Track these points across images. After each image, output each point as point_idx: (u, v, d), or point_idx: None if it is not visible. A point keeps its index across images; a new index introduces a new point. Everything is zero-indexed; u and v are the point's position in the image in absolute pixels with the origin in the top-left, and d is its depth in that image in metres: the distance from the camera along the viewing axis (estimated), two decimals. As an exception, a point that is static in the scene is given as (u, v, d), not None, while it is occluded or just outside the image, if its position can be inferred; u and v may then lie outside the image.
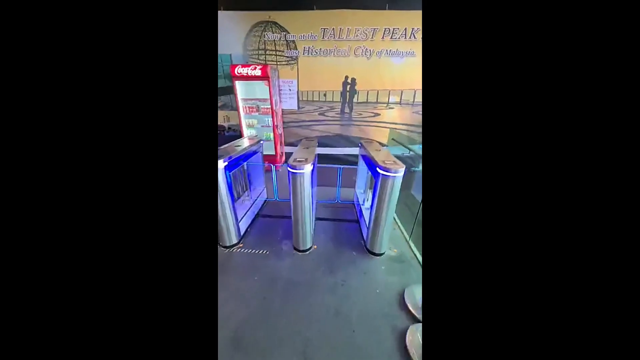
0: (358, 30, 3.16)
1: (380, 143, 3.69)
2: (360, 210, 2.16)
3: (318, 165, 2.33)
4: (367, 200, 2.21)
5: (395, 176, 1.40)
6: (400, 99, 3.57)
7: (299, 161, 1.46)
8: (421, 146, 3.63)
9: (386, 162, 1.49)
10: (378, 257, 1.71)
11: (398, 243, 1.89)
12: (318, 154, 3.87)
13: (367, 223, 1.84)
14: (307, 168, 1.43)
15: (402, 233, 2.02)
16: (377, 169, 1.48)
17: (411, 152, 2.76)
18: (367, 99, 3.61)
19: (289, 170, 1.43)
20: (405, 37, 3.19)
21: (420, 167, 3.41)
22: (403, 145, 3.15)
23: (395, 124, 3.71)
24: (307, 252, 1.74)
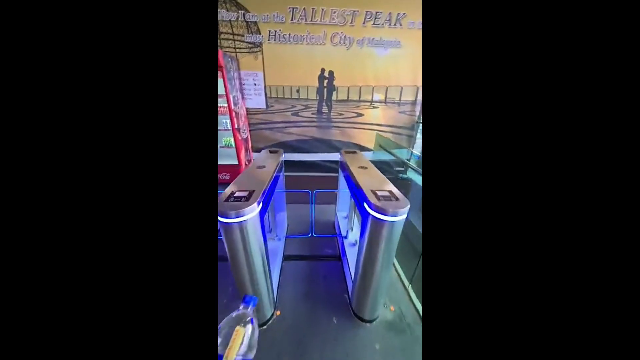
0: (335, 12, 2.61)
1: (365, 148, 3.26)
2: (343, 244, 1.64)
3: (286, 191, 1.75)
4: (352, 231, 1.69)
5: (394, 221, 0.88)
6: (385, 97, 3.10)
7: (236, 200, 0.87)
8: (409, 150, 3.22)
9: (379, 193, 0.96)
10: (368, 324, 1.20)
11: (394, 293, 1.39)
12: (292, 160, 3.33)
13: (352, 274, 1.31)
14: (251, 211, 0.84)
15: (398, 275, 1.53)
16: (366, 205, 0.95)
17: (402, 162, 2.32)
18: (347, 97, 3.09)
19: (219, 220, 0.84)
20: (390, 24, 2.71)
21: (408, 174, 3.01)
22: (387, 151, 2.71)
23: (381, 125, 3.25)
24: (265, 327, 1.17)
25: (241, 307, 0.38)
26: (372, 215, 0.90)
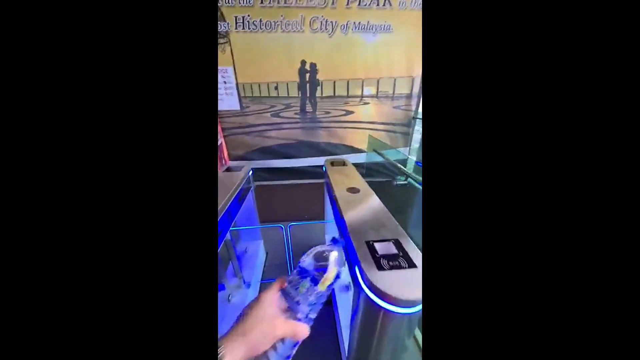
0: (313, -9, 2.19)
1: (358, 150, 2.90)
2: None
3: (244, 228, 1.36)
4: (344, 266, 1.32)
5: (410, 314, 0.50)
6: (377, 91, 2.72)
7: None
8: (405, 154, 2.86)
9: (380, 249, 0.59)
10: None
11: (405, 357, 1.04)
12: (274, 167, 2.94)
13: (345, 340, 0.95)
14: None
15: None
16: (359, 275, 0.57)
17: (399, 169, 1.96)
18: (334, 92, 2.69)
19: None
20: (378, 5, 2.32)
21: (406, 179, 2.65)
22: (382, 156, 2.34)
23: (374, 123, 2.86)
24: None
25: (330, 244, 0.40)
26: (369, 297, 0.52)
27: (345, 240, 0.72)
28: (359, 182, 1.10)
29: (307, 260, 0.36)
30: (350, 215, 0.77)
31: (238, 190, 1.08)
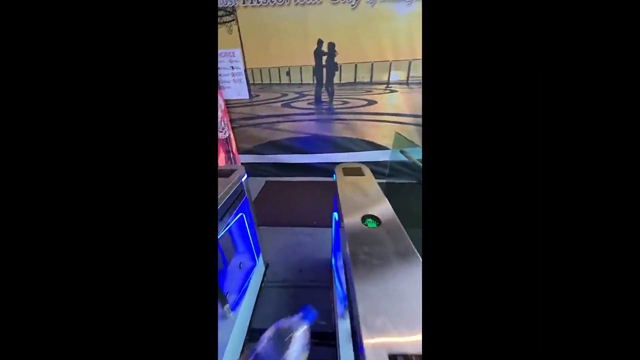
0: (334, -50, 1.78)
1: (381, 147, 2.50)
2: (337, 325, 1.01)
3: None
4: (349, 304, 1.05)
5: None
6: (408, 76, 2.26)
7: None
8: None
9: None
10: None
11: None
12: (285, 163, 2.70)
13: None
14: None
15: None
16: None
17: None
18: (355, 78, 2.30)
19: None
20: (417, -36, 1.83)
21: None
22: (403, 154, 1.94)
23: (401, 115, 2.43)
24: None
25: (297, 318, 0.35)
26: None
27: (360, 341, 0.42)
28: (381, 203, 0.79)
29: (266, 346, 0.32)
30: (366, 284, 0.48)
31: (223, 202, 0.85)
